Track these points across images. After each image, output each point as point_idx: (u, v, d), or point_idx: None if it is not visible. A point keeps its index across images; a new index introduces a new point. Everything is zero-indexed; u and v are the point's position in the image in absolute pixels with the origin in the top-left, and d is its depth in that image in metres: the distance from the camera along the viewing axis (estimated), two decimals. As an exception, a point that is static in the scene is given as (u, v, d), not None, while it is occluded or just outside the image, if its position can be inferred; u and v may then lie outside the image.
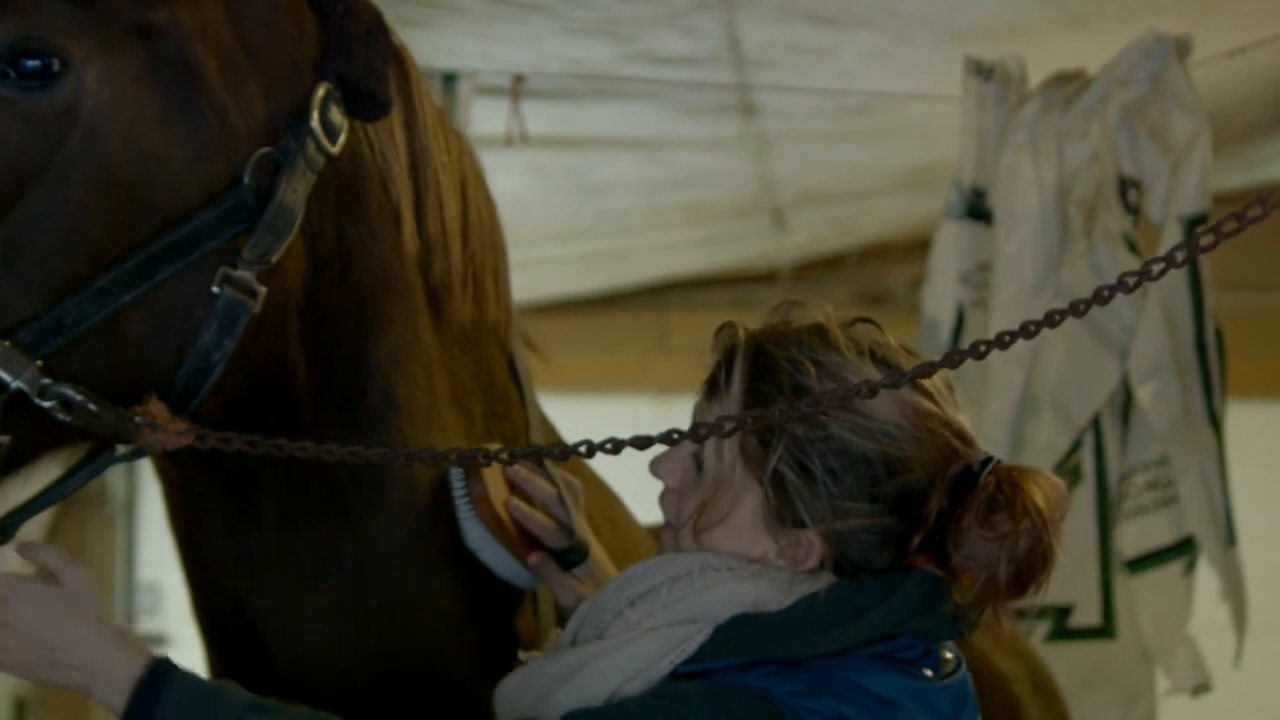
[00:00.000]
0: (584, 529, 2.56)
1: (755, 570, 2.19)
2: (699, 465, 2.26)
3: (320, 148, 2.32)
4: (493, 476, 2.50)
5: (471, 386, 2.56)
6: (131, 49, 2.21)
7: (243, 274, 2.25)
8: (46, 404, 2.14)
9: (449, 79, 4.53)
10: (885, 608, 2.17)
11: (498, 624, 2.55)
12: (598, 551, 2.57)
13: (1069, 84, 4.46)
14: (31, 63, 2.13)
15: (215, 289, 2.23)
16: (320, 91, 2.34)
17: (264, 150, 2.28)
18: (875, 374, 2.20)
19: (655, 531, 3.07)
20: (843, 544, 2.18)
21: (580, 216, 6.85)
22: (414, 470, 2.46)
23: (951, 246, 4.57)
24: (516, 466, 2.55)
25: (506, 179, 5.71)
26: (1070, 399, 4.35)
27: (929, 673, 2.21)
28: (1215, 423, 4.37)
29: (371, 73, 2.39)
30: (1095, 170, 4.36)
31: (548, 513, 2.55)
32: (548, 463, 2.61)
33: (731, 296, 8.45)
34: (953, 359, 2.10)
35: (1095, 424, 4.38)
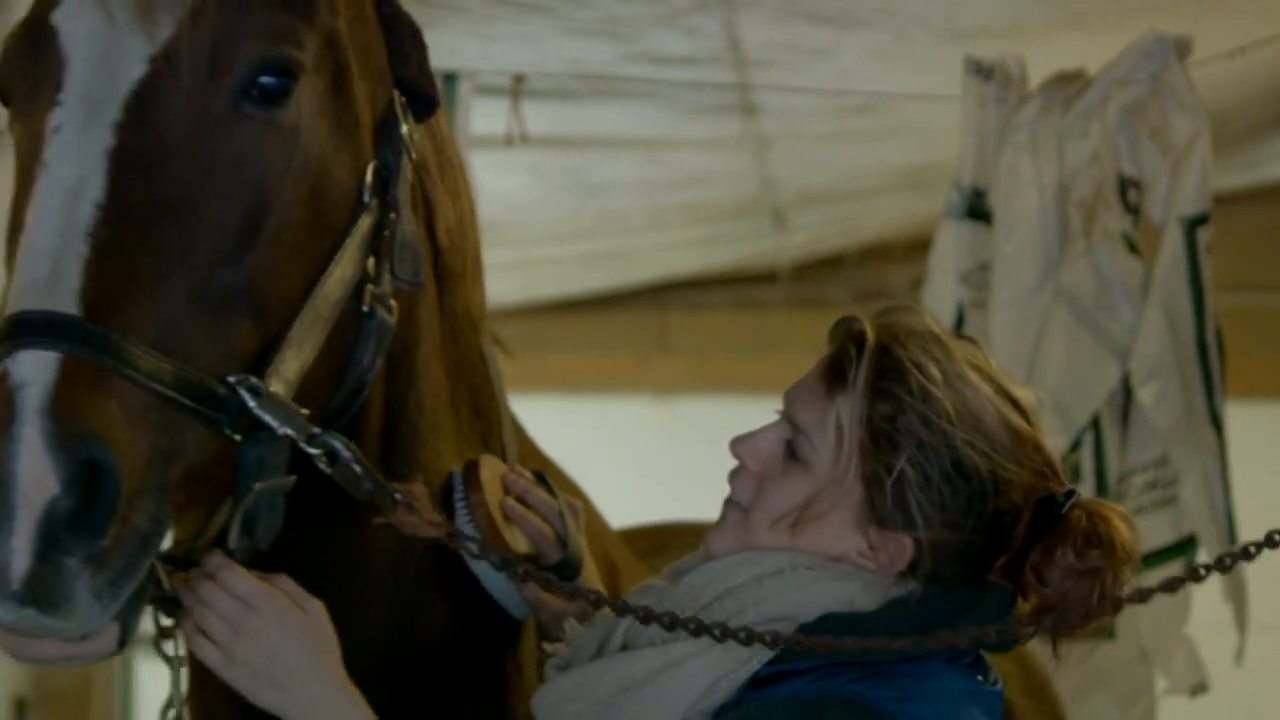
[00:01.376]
0: (580, 547, 2.54)
1: (848, 571, 2.19)
2: (791, 453, 2.25)
3: (409, 156, 2.31)
4: (492, 484, 2.49)
5: (459, 384, 2.55)
6: (324, 60, 2.19)
7: (382, 291, 2.24)
8: (312, 451, 2.10)
9: (449, 79, 4.53)
10: (975, 616, 2.18)
11: (491, 636, 2.54)
12: (590, 570, 2.55)
13: (1069, 84, 4.46)
14: (271, 80, 2.10)
15: (365, 309, 2.21)
16: (397, 98, 2.33)
17: (373, 163, 2.26)
18: (988, 389, 2.24)
19: (626, 534, 3.08)
20: (934, 552, 2.19)
21: (580, 216, 6.85)
22: (419, 479, 2.45)
23: (951, 246, 4.57)
24: (518, 476, 2.54)
25: (506, 179, 5.72)
26: (1070, 399, 4.35)
27: (980, 678, 2.24)
28: (1217, 422, 4.37)
29: (425, 74, 2.38)
30: (1095, 170, 4.36)
31: (546, 522, 2.53)
32: (550, 480, 2.60)
33: (731, 296, 8.44)
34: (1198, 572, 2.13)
35: (1095, 424, 4.38)
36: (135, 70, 2.06)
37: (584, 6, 4.31)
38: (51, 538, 1.87)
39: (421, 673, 2.46)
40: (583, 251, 7.42)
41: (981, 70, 4.48)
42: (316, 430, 2.10)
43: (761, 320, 8.32)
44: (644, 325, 8.47)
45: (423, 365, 2.43)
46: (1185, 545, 4.42)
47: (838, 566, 2.20)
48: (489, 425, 2.61)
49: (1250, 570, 4.38)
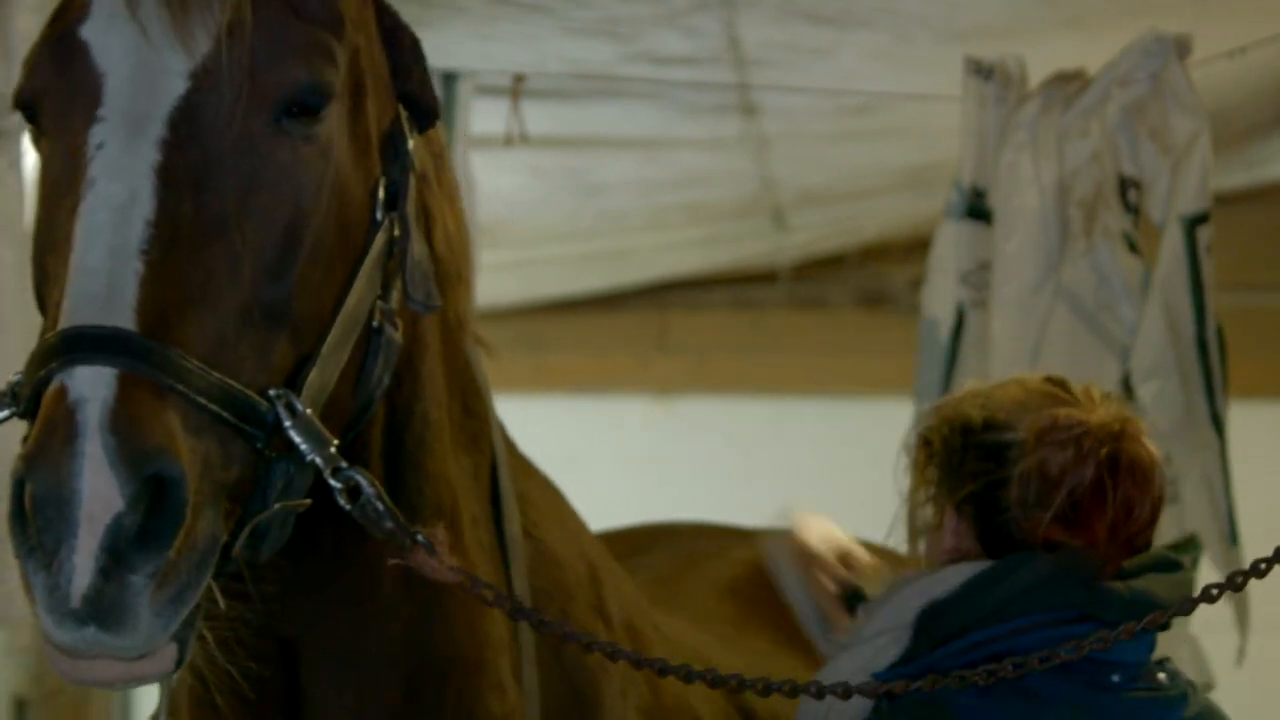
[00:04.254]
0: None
1: (932, 570, 2.53)
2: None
3: (413, 169, 2.30)
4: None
5: (453, 387, 2.53)
6: (348, 76, 2.18)
7: (390, 308, 2.23)
8: (335, 484, 2.09)
9: (449, 79, 4.53)
10: (1025, 571, 2.43)
11: (496, 646, 2.54)
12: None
13: (1069, 84, 4.46)
14: (309, 97, 2.10)
15: (375, 325, 2.21)
16: (402, 113, 2.32)
17: (383, 180, 2.25)
18: (1027, 377, 2.67)
19: (606, 536, 3.14)
20: (971, 503, 2.53)
21: (580, 216, 6.85)
22: (441, 495, 2.44)
23: (951, 246, 4.56)
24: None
25: (506, 179, 5.72)
26: (1070, 399, 4.35)
27: (1115, 678, 2.42)
28: (1218, 422, 4.36)
29: (426, 86, 2.37)
30: (1095, 170, 4.36)
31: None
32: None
33: (731, 296, 8.45)
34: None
35: (1095, 424, 4.38)
36: (176, 86, 2.06)
37: (584, 6, 4.31)
38: (116, 554, 1.86)
39: (436, 683, 2.46)
40: (583, 251, 7.42)
41: (981, 70, 4.48)
42: (343, 463, 2.09)
43: (761, 320, 8.33)
44: (644, 325, 8.47)
45: (428, 377, 2.42)
46: (1188, 544, 4.41)
47: (921, 570, 2.55)
48: (479, 424, 2.59)
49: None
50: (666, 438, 8.17)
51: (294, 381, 2.07)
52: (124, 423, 1.88)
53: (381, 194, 2.23)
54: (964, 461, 2.52)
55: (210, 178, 2.04)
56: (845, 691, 2.32)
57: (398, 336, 2.26)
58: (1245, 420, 5.03)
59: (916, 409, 4.17)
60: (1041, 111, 4.42)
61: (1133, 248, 4.38)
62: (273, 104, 2.08)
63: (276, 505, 2.05)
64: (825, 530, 2.88)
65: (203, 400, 1.95)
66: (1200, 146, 4.29)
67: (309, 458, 2.05)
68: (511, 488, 2.62)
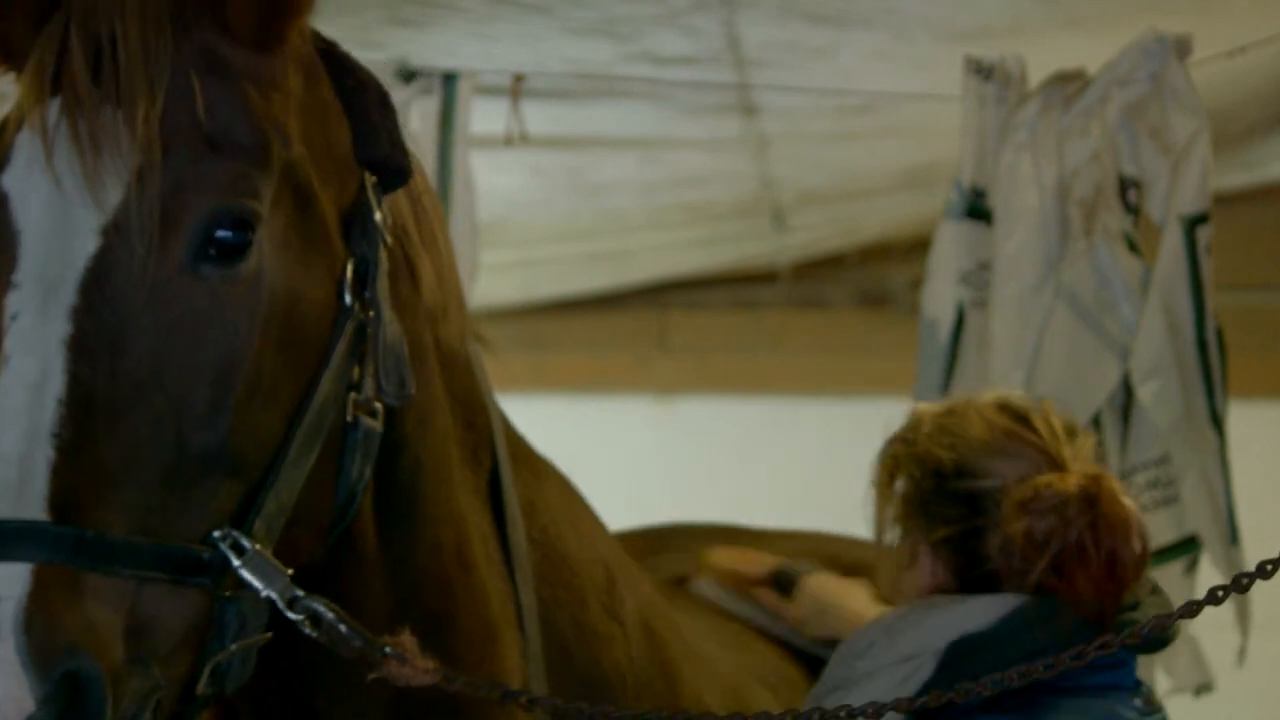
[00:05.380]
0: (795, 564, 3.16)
1: (952, 598, 2.56)
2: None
3: (384, 242, 2.23)
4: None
5: (454, 406, 2.48)
6: (283, 192, 2.11)
7: (366, 398, 2.18)
8: (295, 617, 2.08)
9: (449, 79, 4.53)
10: (1065, 618, 2.50)
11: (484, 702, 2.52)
12: (817, 576, 3.07)
13: (1069, 84, 4.46)
14: (228, 234, 2.03)
15: (349, 419, 2.17)
16: (369, 183, 2.24)
17: (349, 261, 2.18)
18: (986, 405, 2.76)
19: (625, 538, 3.16)
20: (940, 546, 2.62)
21: (580, 216, 6.85)
22: (440, 535, 2.40)
23: (951, 246, 4.56)
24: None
25: (506, 179, 5.72)
26: (1071, 398, 4.35)
27: (1138, 702, 2.53)
28: (1217, 422, 4.36)
29: (396, 145, 2.30)
30: (1095, 170, 4.36)
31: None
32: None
33: (731, 296, 8.45)
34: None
35: (1096, 423, 4.38)
36: (88, 245, 2.01)
37: (584, 6, 4.31)
38: None
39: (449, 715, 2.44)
40: (583, 251, 7.43)
41: (981, 70, 4.47)
42: (299, 593, 2.07)
43: (761, 320, 8.33)
44: (644, 325, 8.47)
45: (415, 427, 2.34)
46: (1186, 544, 4.42)
47: (945, 597, 2.58)
48: (479, 436, 2.54)
49: (1252, 569, 4.38)
50: (667, 438, 8.17)
51: (245, 507, 2.05)
52: (38, 621, 1.88)
53: (350, 275, 2.17)
54: (938, 504, 2.60)
55: (125, 341, 2.00)
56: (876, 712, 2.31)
57: (376, 425, 2.20)
58: (1245, 420, 5.02)
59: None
60: (1041, 111, 4.42)
61: (1133, 248, 4.37)
62: (187, 252, 2.03)
63: (233, 646, 2.05)
64: (725, 553, 3.25)
65: (131, 571, 1.94)
66: (1200, 146, 4.29)
67: (263, 595, 2.04)
68: (514, 496, 2.58)
